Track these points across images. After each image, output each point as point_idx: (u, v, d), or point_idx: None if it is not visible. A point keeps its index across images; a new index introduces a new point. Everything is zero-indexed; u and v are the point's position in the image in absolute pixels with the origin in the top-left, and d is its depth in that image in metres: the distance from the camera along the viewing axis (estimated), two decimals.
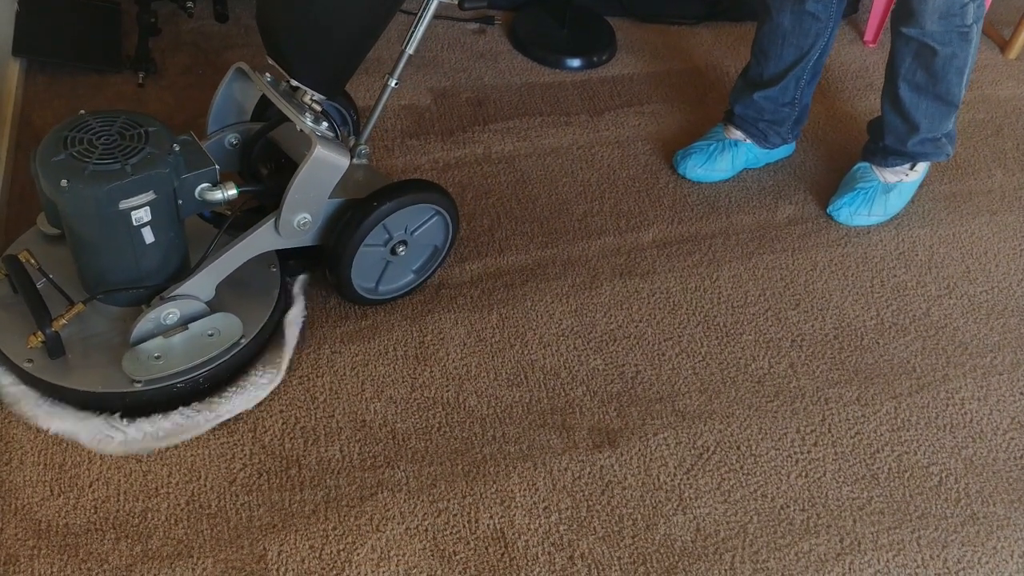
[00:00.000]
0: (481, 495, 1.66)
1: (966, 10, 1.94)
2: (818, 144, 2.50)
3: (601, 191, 2.27)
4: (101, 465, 1.61)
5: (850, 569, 1.63)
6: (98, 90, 2.33)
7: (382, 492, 1.64)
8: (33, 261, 1.68)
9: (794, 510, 1.71)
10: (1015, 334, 2.06)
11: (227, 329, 1.69)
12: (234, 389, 1.71)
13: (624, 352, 1.92)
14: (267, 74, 1.76)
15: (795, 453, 1.79)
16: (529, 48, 2.64)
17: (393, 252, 1.84)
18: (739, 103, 2.30)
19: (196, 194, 1.62)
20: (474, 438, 1.74)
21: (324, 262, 1.81)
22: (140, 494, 1.59)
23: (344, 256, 1.77)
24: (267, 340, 1.78)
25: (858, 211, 2.25)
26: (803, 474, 1.76)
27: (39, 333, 1.58)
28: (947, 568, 1.65)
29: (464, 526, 1.61)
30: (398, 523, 1.60)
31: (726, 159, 2.31)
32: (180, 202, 1.62)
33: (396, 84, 1.74)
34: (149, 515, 1.57)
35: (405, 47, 1.71)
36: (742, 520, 1.68)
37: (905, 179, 2.27)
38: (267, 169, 1.86)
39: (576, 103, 2.52)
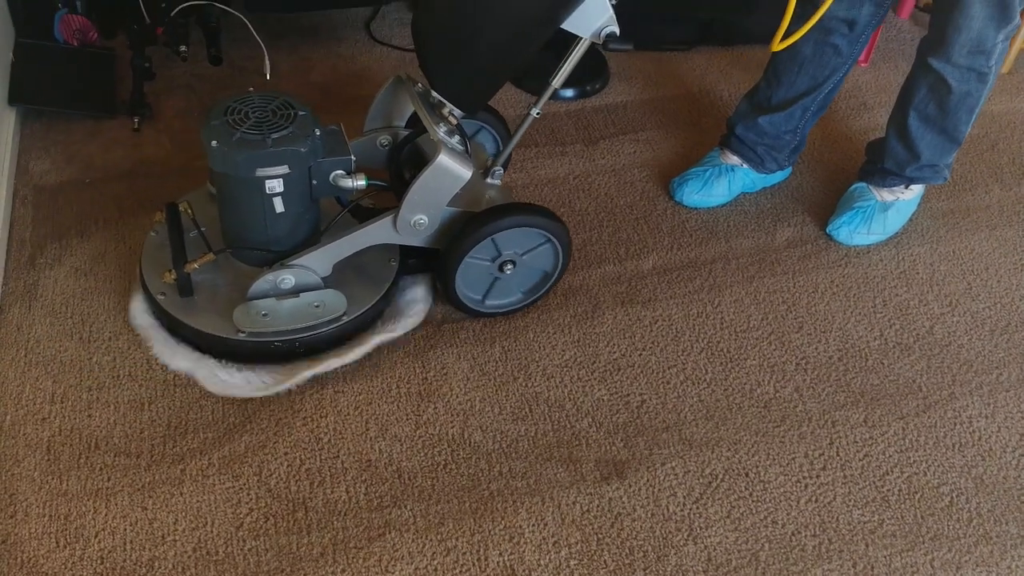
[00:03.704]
0: (490, 532, 1.64)
1: (994, 49, 1.95)
2: (814, 165, 2.50)
3: (599, 220, 2.27)
4: (107, 515, 1.60)
5: None
6: (93, 135, 2.33)
7: (390, 532, 1.63)
8: (190, 212, 1.89)
9: (805, 536, 1.69)
10: (1020, 349, 2.06)
11: (332, 304, 1.84)
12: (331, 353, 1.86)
13: (628, 381, 1.92)
14: (419, 84, 1.87)
15: (804, 478, 1.78)
16: (522, 80, 2.65)
17: (501, 269, 1.90)
18: (741, 124, 2.29)
19: (330, 179, 1.78)
20: (480, 474, 1.73)
21: (435, 266, 1.93)
22: (147, 543, 1.58)
23: (451, 263, 1.87)
24: (367, 322, 1.90)
25: (857, 230, 2.25)
26: (813, 499, 1.75)
27: (172, 271, 1.79)
28: None
29: (474, 564, 1.60)
30: (407, 563, 1.59)
31: (722, 184, 2.31)
32: (314, 182, 1.78)
33: (538, 114, 1.83)
34: (156, 564, 1.55)
35: (552, 80, 1.79)
36: (753, 548, 1.67)
37: (902, 197, 2.27)
38: (410, 174, 1.93)
39: (571, 133, 2.53)
